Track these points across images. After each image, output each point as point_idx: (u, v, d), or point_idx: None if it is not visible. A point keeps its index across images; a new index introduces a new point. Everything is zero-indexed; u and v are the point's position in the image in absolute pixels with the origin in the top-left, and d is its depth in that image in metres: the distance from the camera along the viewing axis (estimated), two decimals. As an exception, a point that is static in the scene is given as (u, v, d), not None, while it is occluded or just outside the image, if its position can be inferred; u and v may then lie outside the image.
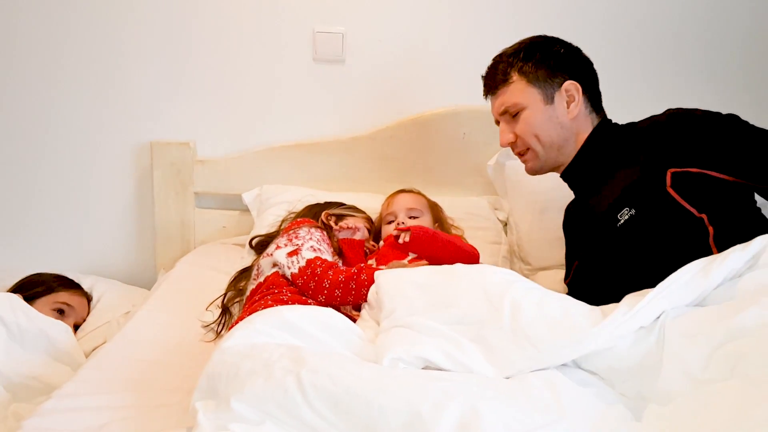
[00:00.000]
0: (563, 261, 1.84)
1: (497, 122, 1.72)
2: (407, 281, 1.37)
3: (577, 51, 1.65)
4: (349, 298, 1.53)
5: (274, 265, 1.64)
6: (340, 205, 1.99)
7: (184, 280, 1.98)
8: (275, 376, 1.04)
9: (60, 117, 2.27)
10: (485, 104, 2.14)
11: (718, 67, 2.28)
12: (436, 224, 1.94)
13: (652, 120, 1.60)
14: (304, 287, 1.56)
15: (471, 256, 1.70)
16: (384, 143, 2.25)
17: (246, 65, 2.24)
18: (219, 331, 1.65)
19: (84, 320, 2.02)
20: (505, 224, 2.20)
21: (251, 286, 1.65)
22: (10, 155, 2.30)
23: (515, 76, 1.63)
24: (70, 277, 2.11)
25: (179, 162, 2.23)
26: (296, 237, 1.68)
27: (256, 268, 1.70)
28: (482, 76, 1.74)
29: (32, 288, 1.98)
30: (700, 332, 1.09)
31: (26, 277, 2.04)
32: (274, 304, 1.41)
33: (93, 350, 1.83)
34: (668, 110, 1.59)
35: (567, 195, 1.79)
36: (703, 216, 1.41)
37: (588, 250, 1.59)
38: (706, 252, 1.36)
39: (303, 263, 1.59)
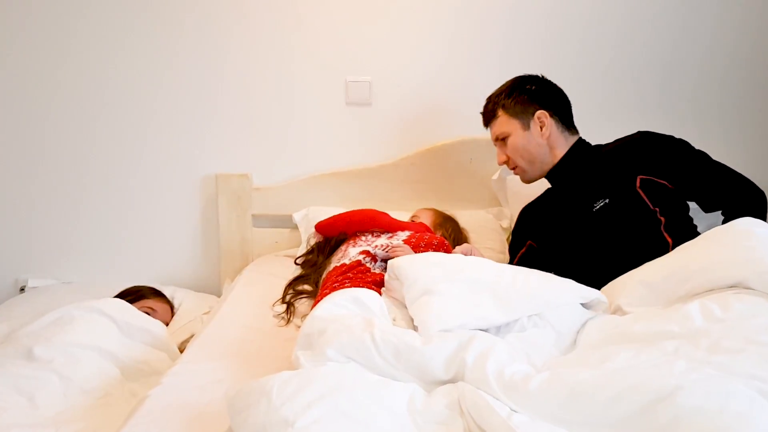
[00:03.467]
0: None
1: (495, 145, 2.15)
2: (421, 260, 1.73)
3: (548, 85, 2.07)
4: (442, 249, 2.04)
5: (364, 252, 2.02)
6: None
7: (250, 284, 2.36)
8: (356, 333, 1.44)
9: (143, 155, 2.64)
10: (487, 134, 2.45)
11: (672, 107, 2.67)
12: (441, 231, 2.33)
13: (624, 139, 2.05)
14: (418, 242, 2.03)
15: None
16: (406, 169, 2.60)
17: (292, 109, 2.60)
18: (288, 318, 2.06)
19: (168, 323, 2.37)
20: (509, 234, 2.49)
21: (335, 264, 2.02)
22: (102, 188, 2.67)
23: (500, 112, 2.07)
24: (155, 287, 2.50)
25: (239, 190, 2.60)
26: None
27: (341, 251, 2.09)
28: (480, 113, 2.16)
29: (128, 295, 2.38)
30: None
31: (126, 288, 2.43)
32: (352, 286, 1.84)
33: (182, 343, 2.21)
34: (639, 132, 2.04)
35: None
36: (656, 209, 1.88)
37: (558, 233, 2.01)
38: (659, 238, 1.84)
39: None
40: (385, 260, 1.99)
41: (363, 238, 2.14)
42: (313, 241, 2.35)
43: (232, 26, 2.57)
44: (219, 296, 2.59)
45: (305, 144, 2.66)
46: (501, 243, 2.47)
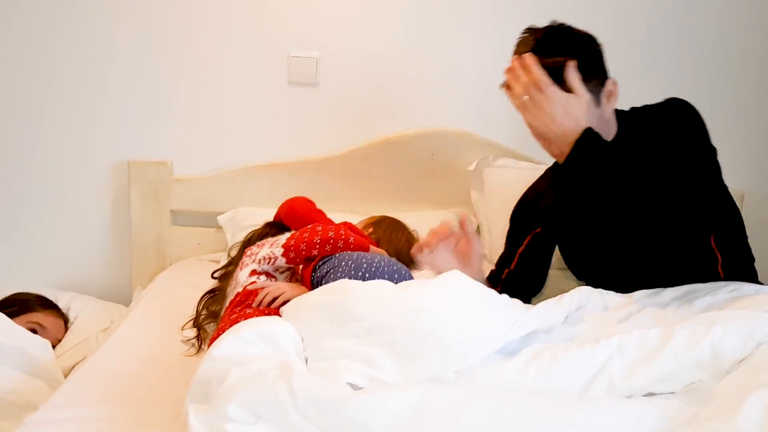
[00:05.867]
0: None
1: None
2: (306, 305, 1.40)
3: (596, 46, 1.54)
4: (339, 243, 1.66)
5: (253, 273, 1.69)
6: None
7: (161, 296, 2.02)
8: (267, 382, 1.10)
9: (38, 135, 2.29)
10: (452, 126, 2.29)
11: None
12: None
13: (655, 108, 1.60)
14: (297, 242, 1.67)
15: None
16: (355, 163, 2.31)
17: (223, 87, 2.29)
18: (199, 346, 1.68)
19: (59, 341, 2.04)
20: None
21: (229, 297, 1.69)
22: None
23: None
24: (49, 294, 2.14)
25: (156, 180, 2.27)
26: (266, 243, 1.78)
27: (234, 278, 1.75)
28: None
29: (10, 306, 2.01)
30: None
31: (8, 296, 2.07)
32: (255, 315, 1.48)
33: (73, 367, 1.83)
34: (671, 99, 1.58)
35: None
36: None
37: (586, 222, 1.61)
38: (707, 251, 1.54)
39: (284, 240, 1.71)
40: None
41: (248, 252, 1.80)
42: (234, 252, 1.97)
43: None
44: (129, 305, 2.21)
45: (238, 129, 2.33)
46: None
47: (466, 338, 1.24)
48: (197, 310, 1.78)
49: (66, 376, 1.77)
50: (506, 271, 1.84)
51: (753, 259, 1.64)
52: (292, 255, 1.70)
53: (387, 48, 2.29)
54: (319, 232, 1.69)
